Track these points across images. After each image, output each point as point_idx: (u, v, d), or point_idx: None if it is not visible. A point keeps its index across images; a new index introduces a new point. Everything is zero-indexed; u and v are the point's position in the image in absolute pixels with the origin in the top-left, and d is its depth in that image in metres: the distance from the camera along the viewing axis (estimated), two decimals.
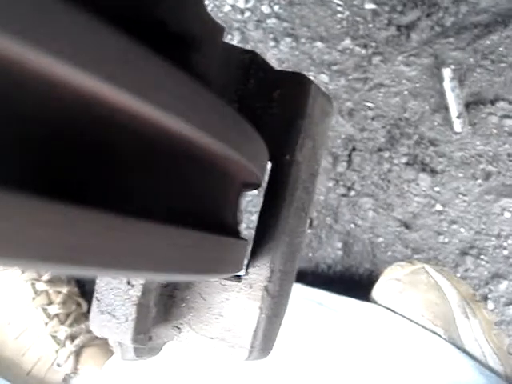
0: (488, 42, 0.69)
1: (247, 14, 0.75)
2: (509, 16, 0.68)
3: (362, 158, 0.69)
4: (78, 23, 0.11)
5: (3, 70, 0.10)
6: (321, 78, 0.71)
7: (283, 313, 0.25)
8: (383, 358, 0.52)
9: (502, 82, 0.68)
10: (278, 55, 0.73)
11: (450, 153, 0.68)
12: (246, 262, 0.24)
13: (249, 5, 0.75)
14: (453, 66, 0.67)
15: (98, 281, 0.22)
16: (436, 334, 0.55)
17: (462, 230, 0.66)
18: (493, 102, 0.67)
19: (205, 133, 0.15)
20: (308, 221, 0.25)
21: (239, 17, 0.75)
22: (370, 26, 0.71)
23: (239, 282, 0.24)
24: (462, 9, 0.69)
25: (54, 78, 0.11)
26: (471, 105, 0.68)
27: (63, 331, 0.63)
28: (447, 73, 0.67)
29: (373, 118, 0.70)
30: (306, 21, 0.73)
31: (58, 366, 0.62)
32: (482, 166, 0.67)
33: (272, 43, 0.73)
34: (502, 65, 0.68)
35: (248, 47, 0.73)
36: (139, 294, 0.22)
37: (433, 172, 0.67)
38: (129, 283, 0.22)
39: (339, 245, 0.69)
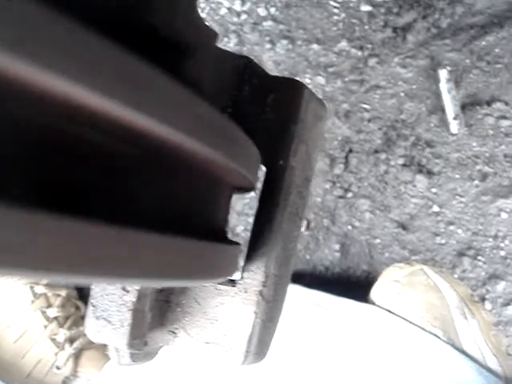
0: (484, 44, 0.69)
1: (243, 16, 0.75)
2: (504, 17, 0.69)
3: (359, 159, 0.69)
4: (69, 33, 0.11)
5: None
6: (317, 80, 0.71)
7: (278, 317, 0.25)
8: (382, 359, 0.52)
9: (498, 83, 0.68)
10: (274, 57, 0.73)
11: (446, 154, 0.68)
12: (241, 265, 0.24)
13: (245, 7, 0.75)
14: (449, 68, 0.68)
15: (93, 287, 0.23)
16: (435, 335, 0.55)
17: (459, 231, 0.67)
18: (489, 103, 0.68)
19: (195, 140, 0.15)
20: (302, 225, 0.25)
21: (235, 19, 0.75)
22: (366, 27, 0.72)
23: (234, 286, 0.24)
24: (457, 10, 0.70)
25: (42, 88, 0.11)
26: (467, 106, 0.68)
27: (62, 334, 0.63)
28: (443, 74, 0.67)
29: (369, 120, 0.70)
30: (302, 23, 0.73)
31: (58, 368, 0.62)
32: (478, 167, 0.67)
33: (268, 45, 0.73)
34: (498, 66, 0.68)
35: (244, 49, 0.73)
36: (134, 299, 0.22)
37: (429, 173, 0.68)
38: (124, 289, 0.22)
39: (336, 246, 0.69)
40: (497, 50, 0.68)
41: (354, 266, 0.68)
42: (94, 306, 0.23)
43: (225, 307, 0.24)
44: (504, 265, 0.65)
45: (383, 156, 0.69)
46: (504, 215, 0.66)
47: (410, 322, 0.56)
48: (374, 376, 0.51)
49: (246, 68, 0.26)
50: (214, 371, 0.51)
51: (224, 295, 0.24)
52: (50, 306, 0.64)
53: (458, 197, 0.67)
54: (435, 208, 0.67)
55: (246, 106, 0.25)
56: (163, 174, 0.16)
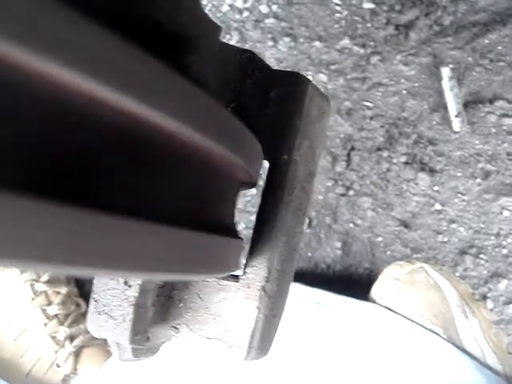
0: (487, 41, 0.69)
1: (245, 13, 0.75)
2: (507, 15, 0.68)
3: (361, 157, 0.69)
4: (74, 25, 0.11)
5: (4, 70, 0.10)
6: (319, 78, 0.71)
7: (281, 313, 0.25)
8: (382, 357, 0.52)
9: (500, 80, 0.68)
10: (276, 55, 0.73)
11: (448, 152, 0.68)
12: (243, 261, 0.24)
13: (247, 4, 0.75)
14: (451, 65, 0.67)
15: (95, 281, 0.22)
16: (435, 333, 0.55)
17: (461, 229, 0.66)
18: (491, 101, 0.67)
19: (199, 134, 0.15)
20: (306, 220, 0.25)
21: (237, 16, 0.75)
22: (369, 25, 0.71)
23: (237, 281, 0.24)
24: (460, 8, 0.69)
25: (50, 78, 0.11)
26: (470, 104, 0.68)
27: (62, 332, 0.63)
28: (446, 72, 0.67)
29: (371, 118, 0.70)
30: (304, 20, 0.73)
31: (58, 366, 0.62)
32: (480, 165, 0.67)
33: (270, 43, 0.73)
34: (501, 64, 0.68)
35: (246, 47, 0.73)
36: (136, 294, 0.22)
37: (432, 171, 0.67)
38: (126, 283, 0.22)
39: (338, 244, 0.69)
40: (499, 48, 0.68)
41: (355, 264, 0.68)
42: (95, 300, 0.22)
43: (227, 303, 0.24)
44: (506, 263, 0.65)
45: (385, 154, 0.68)
46: (506, 213, 0.66)
47: (411, 320, 0.56)
48: (375, 374, 0.51)
49: (249, 62, 0.25)
50: (215, 368, 0.51)
51: (227, 290, 0.24)
52: (50, 303, 0.64)
53: (460, 195, 0.67)
54: (437, 206, 0.67)
55: (249, 99, 0.25)
56: (172, 167, 0.15)
